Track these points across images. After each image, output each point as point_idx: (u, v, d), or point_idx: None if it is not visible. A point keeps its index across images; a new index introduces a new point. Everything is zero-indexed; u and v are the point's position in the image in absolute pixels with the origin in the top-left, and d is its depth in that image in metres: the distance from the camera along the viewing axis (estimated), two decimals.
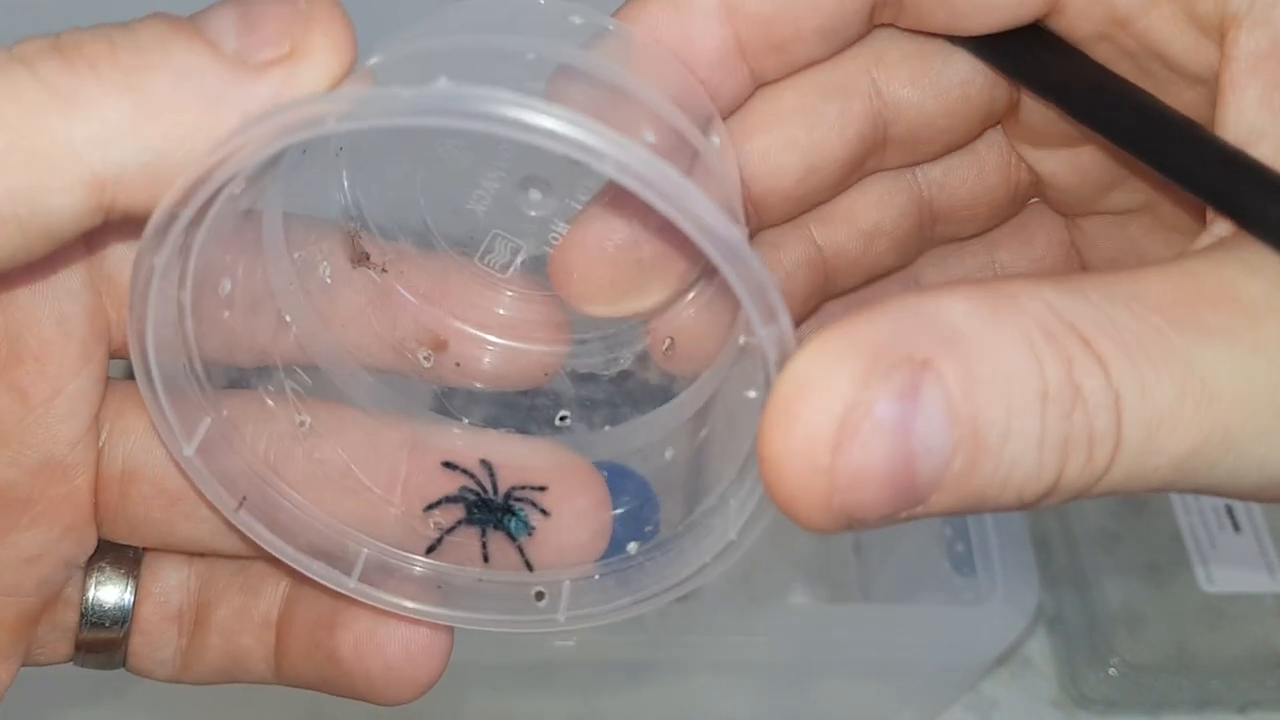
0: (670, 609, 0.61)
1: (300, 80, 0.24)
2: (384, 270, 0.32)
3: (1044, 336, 0.21)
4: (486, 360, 0.33)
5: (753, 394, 0.26)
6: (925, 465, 0.21)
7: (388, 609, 0.30)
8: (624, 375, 0.34)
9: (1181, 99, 0.27)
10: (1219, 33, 0.25)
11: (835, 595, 0.67)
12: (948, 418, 0.21)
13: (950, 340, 0.21)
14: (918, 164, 0.33)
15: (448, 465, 0.32)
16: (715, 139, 0.28)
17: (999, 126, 0.33)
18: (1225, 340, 0.22)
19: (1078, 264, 0.34)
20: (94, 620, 0.31)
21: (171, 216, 0.24)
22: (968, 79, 0.30)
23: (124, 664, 0.32)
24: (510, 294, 0.33)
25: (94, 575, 0.31)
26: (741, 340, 0.28)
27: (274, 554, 0.29)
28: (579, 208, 0.31)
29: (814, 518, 0.21)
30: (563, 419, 0.34)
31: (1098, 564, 0.64)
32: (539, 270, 0.32)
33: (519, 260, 0.33)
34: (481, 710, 0.60)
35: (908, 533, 0.63)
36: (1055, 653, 0.66)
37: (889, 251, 0.33)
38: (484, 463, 0.32)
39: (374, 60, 0.26)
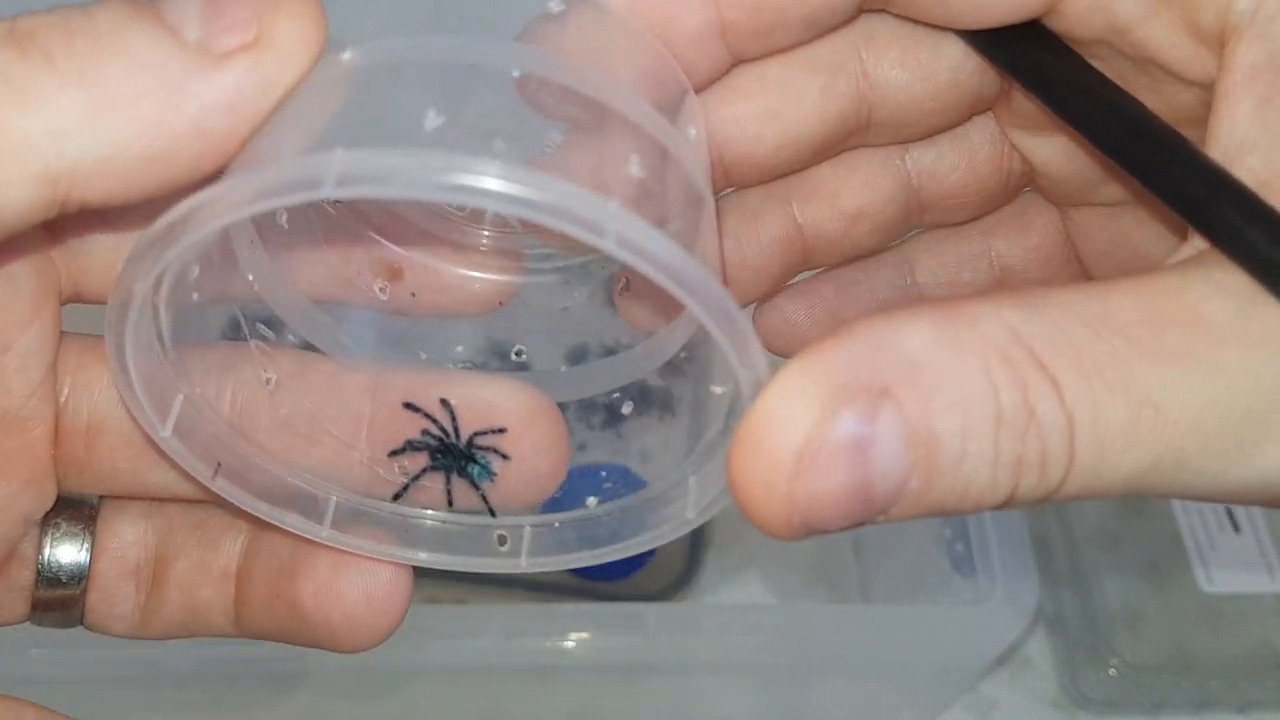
0: (670, 609, 0.61)
1: (265, 71, 0.23)
2: (338, 202, 0.32)
3: (1000, 362, 0.22)
4: (441, 288, 0.33)
5: (718, 390, 0.27)
6: (882, 487, 0.22)
7: (358, 553, 0.30)
8: (580, 311, 0.34)
9: (1177, 100, 0.27)
10: (1219, 43, 0.25)
11: (835, 595, 0.67)
12: (904, 442, 0.22)
13: (909, 369, 0.22)
14: (902, 143, 0.32)
15: (409, 406, 0.32)
16: (692, 131, 0.29)
17: (991, 114, 0.32)
18: (1184, 364, 0.22)
19: (1074, 254, 0.34)
20: (50, 577, 0.31)
21: (156, 251, 0.23)
22: (958, 65, 0.30)
23: (82, 621, 0.32)
24: (465, 225, 0.33)
25: (50, 533, 0.31)
26: None
27: (250, 511, 0.30)
28: (542, 156, 0.31)
29: (776, 532, 0.23)
30: (518, 354, 0.34)
31: (1098, 564, 0.64)
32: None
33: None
34: (481, 710, 0.60)
35: (908, 533, 0.63)
36: (1055, 653, 0.66)
37: (871, 234, 0.33)
38: (444, 403, 0.32)
39: (347, 55, 0.26)
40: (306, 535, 0.30)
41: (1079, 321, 0.22)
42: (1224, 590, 0.64)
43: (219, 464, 0.29)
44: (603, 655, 0.54)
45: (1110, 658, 0.62)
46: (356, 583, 0.31)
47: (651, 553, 0.67)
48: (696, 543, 0.67)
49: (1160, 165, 0.25)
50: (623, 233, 0.22)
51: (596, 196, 0.22)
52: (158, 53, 0.23)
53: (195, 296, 0.28)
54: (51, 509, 0.30)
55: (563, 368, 0.34)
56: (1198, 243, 0.24)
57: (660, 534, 0.30)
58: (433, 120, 0.27)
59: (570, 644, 0.53)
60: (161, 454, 0.29)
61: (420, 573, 0.31)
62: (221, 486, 0.29)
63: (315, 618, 0.30)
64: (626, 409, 0.35)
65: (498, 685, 0.58)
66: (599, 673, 0.57)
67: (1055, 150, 0.32)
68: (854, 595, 0.67)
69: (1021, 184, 0.33)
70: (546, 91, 0.28)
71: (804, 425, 0.22)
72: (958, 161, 0.33)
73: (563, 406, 0.34)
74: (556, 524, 0.32)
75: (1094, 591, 0.64)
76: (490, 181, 0.21)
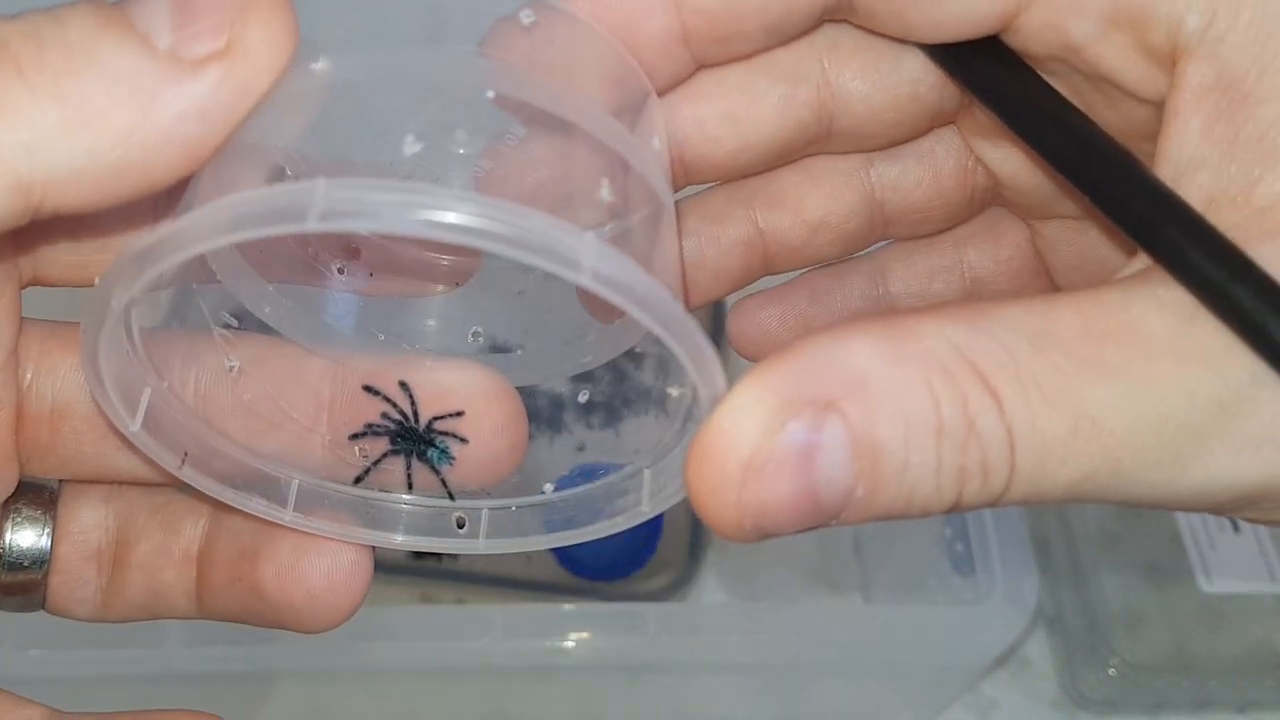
0: (670, 609, 0.61)
1: (237, 78, 0.23)
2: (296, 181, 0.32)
3: (942, 376, 0.23)
4: (399, 268, 0.33)
5: (675, 393, 0.28)
6: (828, 494, 0.23)
7: (321, 534, 0.31)
8: (537, 294, 0.35)
9: (1132, 115, 0.28)
10: (1169, 62, 0.26)
11: (835, 595, 0.68)
12: (850, 452, 0.23)
13: (853, 383, 0.23)
14: (863, 152, 0.33)
15: (369, 389, 0.33)
16: (655, 141, 0.29)
17: (955, 129, 0.33)
18: (1121, 379, 0.23)
19: (1044, 266, 0.34)
20: (12, 562, 0.31)
21: (134, 273, 0.24)
22: (918, 78, 0.31)
23: (43, 605, 0.32)
24: None
25: (10, 517, 0.31)
26: None
27: (216, 497, 0.30)
28: (505, 146, 0.31)
29: (729, 535, 0.24)
30: (475, 335, 0.35)
31: (1098, 564, 0.64)
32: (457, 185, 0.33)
33: (429, 173, 0.33)
34: (481, 710, 0.60)
35: (908, 533, 0.64)
36: (1055, 653, 0.66)
37: (833, 244, 0.34)
38: (403, 385, 0.33)
39: (319, 65, 0.26)
40: (271, 519, 0.31)
41: (1021, 336, 0.23)
42: (1224, 590, 0.64)
43: (185, 453, 0.30)
44: (603, 655, 0.54)
45: (1110, 658, 0.62)
46: (318, 564, 0.31)
47: (652, 552, 0.67)
48: (696, 543, 0.67)
49: (1108, 183, 0.26)
50: (599, 269, 0.23)
51: (573, 232, 0.22)
52: (129, 62, 0.23)
53: (164, 295, 0.29)
54: (12, 495, 0.30)
55: (519, 351, 0.35)
56: (1143, 259, 0.25)
57: (615, 523, 0.31)
58: (411, 146, 0.27)
59: (570, 644, 0.53)
60: (130, 446, 0.29)
61: (419, 572, 0.32)
62: (188, 475, 0.30)
63: (278, 599, 0.31)
64: (581, 397, 0.35)
65: (498, 685, 0.58)
66: (599, 673, 0.57)
67: (1019, 162, 0.32)
68: (854, 595, 0.67)
69: (987, 200, 0.34)
70: (515, 112, 0.29)
71: (752, 437, 0.23)
72: (922, 177, 0.33)
73: (561, 405, 0.34)
74: (513, 507, 0.33)
75: (1094, 591, 0.64)
76: (476, 221, 0.22)
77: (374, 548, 0.32)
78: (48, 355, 0.30)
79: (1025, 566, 0.55)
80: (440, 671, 0.56)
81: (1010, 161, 0.32)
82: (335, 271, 0.33)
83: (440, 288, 0.34)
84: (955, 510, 0.24)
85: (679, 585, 0.66)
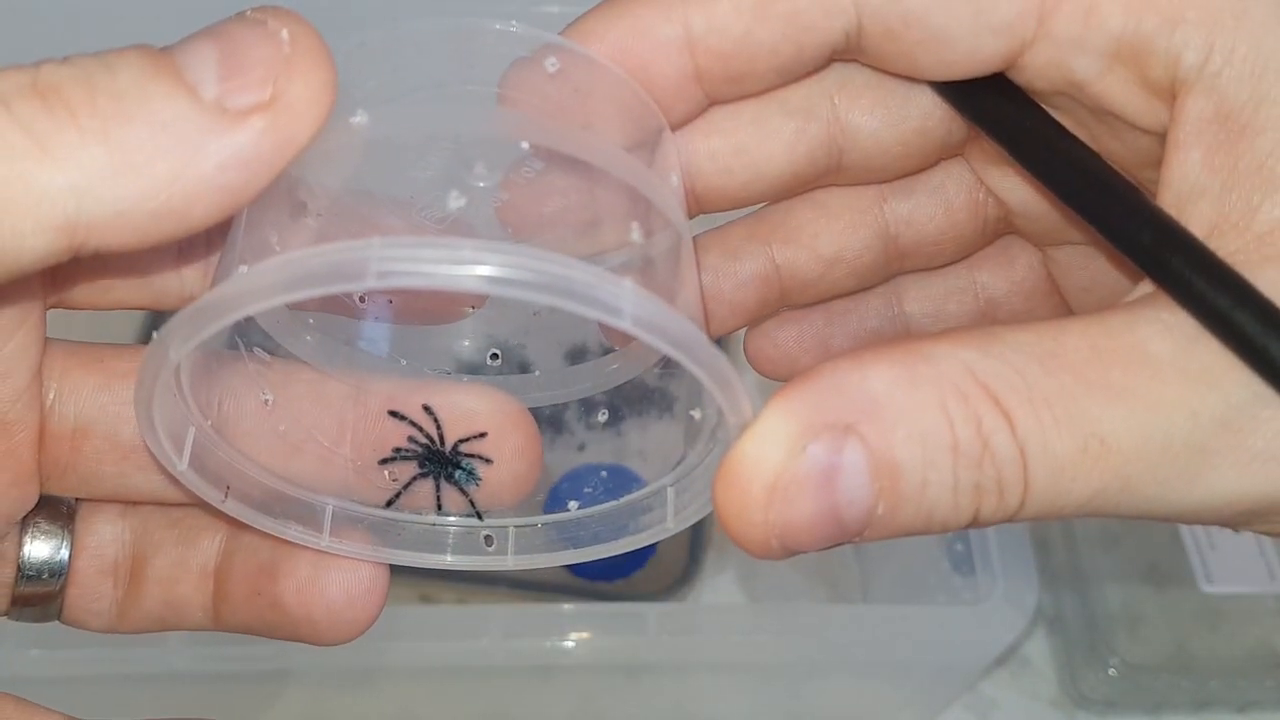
0: (670, 609, 0.61)
1: (280, 130, 0.24)
2: (319, 215, 0.33)
3: (956, 398, 0.24)
4: (416, 294, 0.34)
5: (696, 415, 0.30)
6: (850, 514, 0.24)
7: (355, 557, 0.32)
8: (552, 316, 0.35)
9: (1136, 145, 0.28)
10: (1170, 95, 0.27)
11: (835, 595, 0.68)
12: (869, 472, 0.24)
13: (871, 407, 0.24)
14: (873, 184, 0.34)
15: (394, 415, 0.34)
16: (674, 177, 0.31)
17: (965, 163, 0.34)
18: (1128, 400, 0.24)
19: (1056, 288, 0.35)
20: (30, 575, 0.32)
21: (192, 330, 0.24)
22: (927, 113, 0.32)
23: (59, 616, 0.33)
24: (442, 233, 0.34)
25: (30, 530, 0.32)
26: None
27: (256, 526, 0.31)
28: (523, 178, 0.32)
29: (758, 554, 0.25)
30: (494, 357, 0.36)
31: (1098, 564, 0.64)
32: (478, 224, 0.34)
33: (458, 214, 0.34)
34: (481, 710, 0.60)
35: None
36: (1055, 653, 0.66)
37: (848, 278, 0.35)
38: (427, 409, 0.34)
39: (358, 119, 0.27)
40: (308, 544, 0.31)
41: (1032, 359, 0.24)
42: (1224, 590, 0.64)
43: (228, 487, 0.30)
44: (603, 655, 0.54)
45: (1110, 658, 0.62)
46: (338, 580, 0.32)
47: (652, 552, 0.67)
48: (696, 543, 0.67)
49: (1114, 214, 0.27)
50: (639, 314, 0.24)
51: (614, 281, 0.24)
52: (176, 111, 0.23)
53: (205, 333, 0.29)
54: (32, 509, 0.31)
55: (537, 373, 0.36)
56: (1149, 284, 0.26)
57: (639, 539, 0.32)
58: (455, 200, 0.29)
59: (570, 644, 0.53)
60: (175, 482, 0.30)
61: (419, 572, 0.32)
62: (232, 508, 0.30)
63: (297, 613, 0.32)
64: (601, 416, 0.37)
65: (498, 685, 0.58)
66: (599, 673, 0.57)
67: (1028, 191, 0.33)
68: (854, 595, 0.67)
69: (999, 230, 0.35)
70: (547, 162, 0.30)
71: (775, 461, 0.24)
72: (934, 210, 0.34)
73: (563, 406, 0.34)
74: (539, 525, 0.34)
75: (1094, 591, 0.64)
76: (525, 275, 0.23)
77: (390, 564, 0.33)
78: (70, 375, 0.31)
79: (1025, 566, 0.55)
80: (440, 671, 0.56)
81: (1020, 190, 0.33)
82: (356, 300, 0.34)
83: (457, 312, 0.35)
84: (974, 526, 0.25)
85: (679, 585, 0.66)
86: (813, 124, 0.32)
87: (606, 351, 0.35)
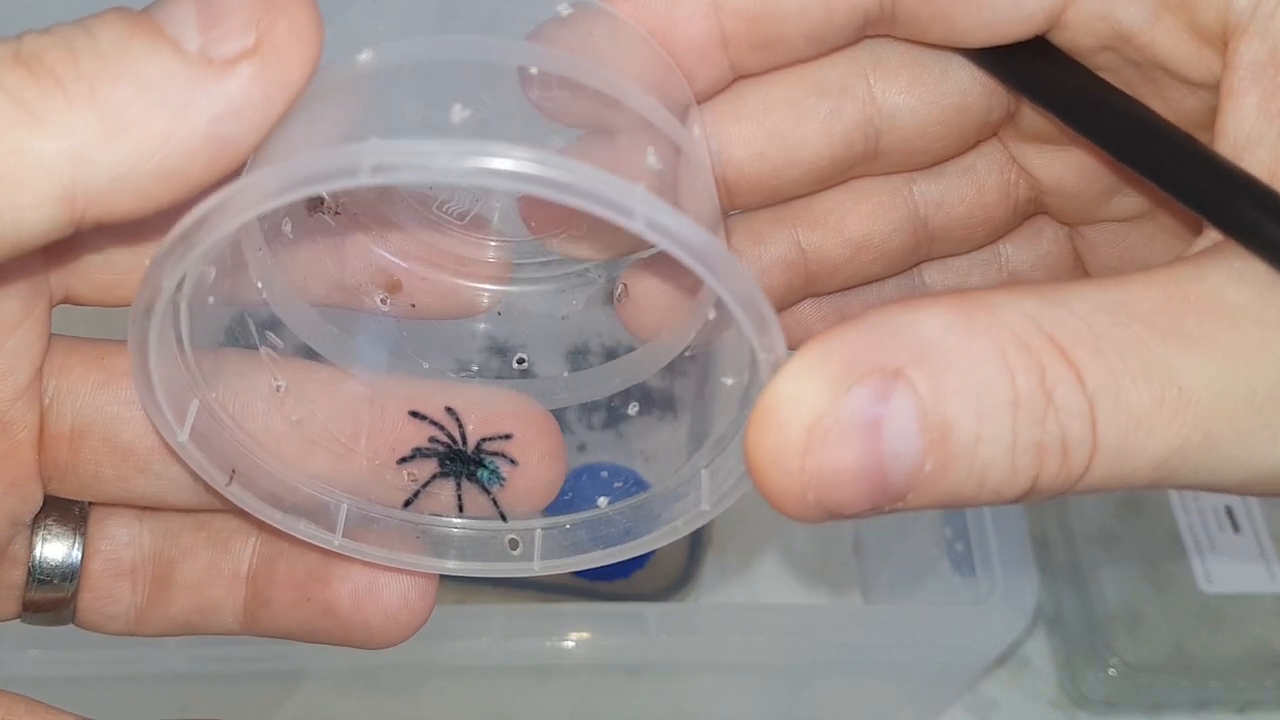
0: (670, 609, 0.61)
1: (269, 75, 0.23)
2: (337, 213, 0.32)
3: (1017, 347, 0.22)
4: (440, 298, 0.34)
5: (729, 381, 0.28)
6: (896, 468, 0.22)
7: (373, 561, 0.31)
8: (579, 317, 0.34)
9: (1184, 105, 0.27)
10: (1221, 42, 0.26)
11: (835, 595, 0.67)
12: (917, 424, 0.22)
13: (922, 351, 0.22)
14: (907, 171, 0.32)
15: (414, 415, 0.32)
16: (696, 130, 0.29)
17: (997, 142, 0.33)
18: (1205, 348, 0.23)
19: (1081, 266, 0.34)
20: (41, 578, 0.31)
21: (186, 250, 0.23)
22: (966, 89, 0.30)
23: (73, 620, 0.32)
24: (463, 236, 0.33)
25: (40, 532, 0.31)
26: (711, 314, 0.29)
27: (263, 519, 0.30)
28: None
29: (793, 510, 0.23)
30: (520, 361, 0.35)
31: (1098, 564, 0.64)
32: (496, 218, 0.33)
33: (477, 209, 0.33)
34: (481, 710, 0.60)
35: (908, 533, 0.63)
36: (1055, 653, 0.66)
37: (875, 263, 0.33)
38: (450, 411, 0.33)
39: (364, 57, 0.26)
40: (318, 544, 0.30)
41: (1097, 309, 0.23)
42: (1224, 590, 0.64)
43: (233, 470, 0.29)
44: (603, 655, 0.54)
45: (1110, 658, 0.62)
46: (394, 584, 0.31)
47: (652, 552, 0.67)
48: (696, 543, 0.67)
49: (1174, 166, 0.26)
50: (651, 215, 0.22)
51: (625, 181, 0.22)
52: (161, 67, 0.23)
53: (211, 300, 0.28)
54: (42, 509, 0.30)
55: (564, 373, 0.35)
56: (1210, 237, 0.25)
57: (675, 528, 0.30)
58: (459, 113, 0.27)
59: (570, 644, 0.53)
60: (176, 458, 0.29)
61: None
62: (235, 494, 0.29)
63: (352, 618, 0.31)
64: (632, 410, 0.35)
65: (498, 685, 0.58)
66: (599, 673, 0.57)
67: (1065, 166, 0.32)
68: (854, 595, 0.67)
69: (1029, 211, 0.34)
70: (556, 91, 0.28)
71: (816, 401, 0.22)
72: (965, 192, 0.33)
73: (564, 409, 0.34)
74: (568, 525, 0.32)
75: (1094, 591, 0.64)
76: (526, 165, 0.21)
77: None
78: (69, 372, 0.30)
79: (1025, 566, 0.55)
80: (440, 671, 0.56)
81: (1056, 167, 0.32)
82: (379, 302, 0.33)
83: (480, 313, 0.34)
84: (1031, 497, 0.23)
85: (679, 585, 0.66)
86: (848, 104, 0.30)
87: (610, 356, 0.35)
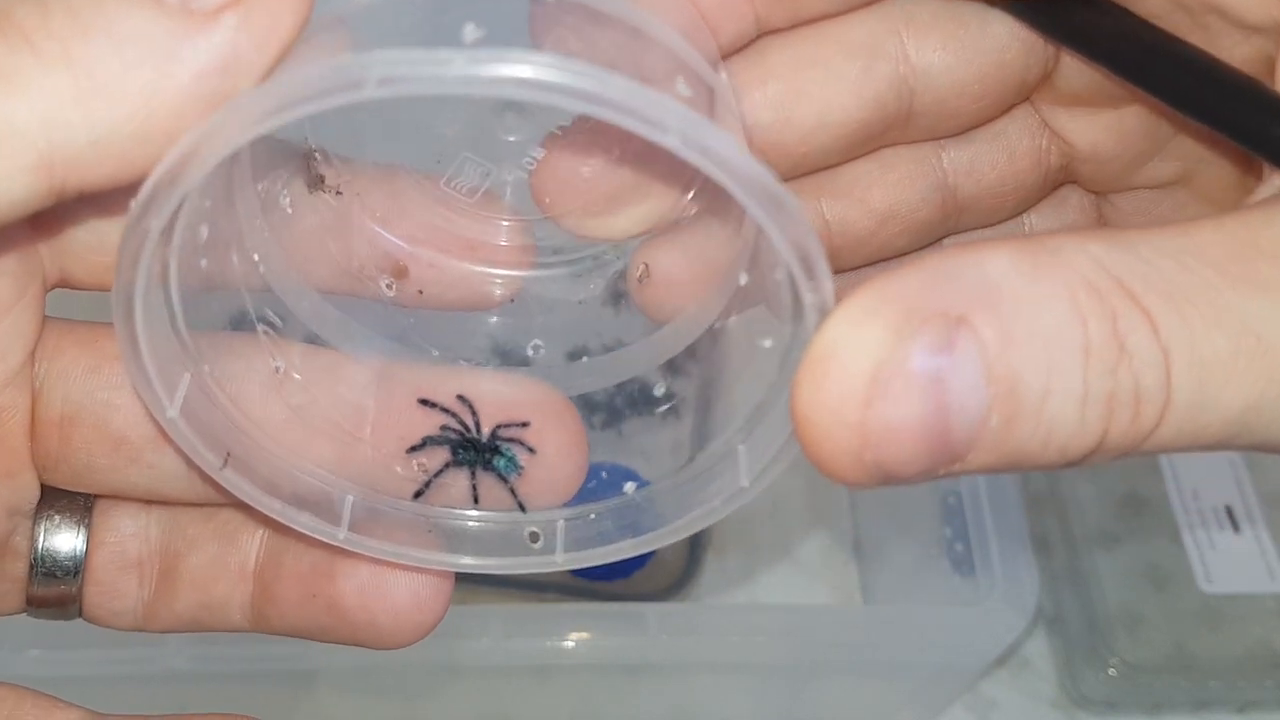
0: (670, 609, 0.61)
1: (257, 24, 0.21)
2: (339, 193, 0.30)
3: (1088, 292, 0.21)
4: (448, 285, 0.32)
5: (768, 343, 0.26)
6: (959, 422, 0.20)
7: (382, 557, 0.29)
8: (596, 303, 0.33)
9: (1237, 52, 0.26)
10: None
11: (835, 595, 0.67)
12: (983, 374, 0.20)
13: (987, 296, 0.20)
14: (937, 139, 0.31)
15: (424, 402, 0.31)
16: (724, 76, 0.27)
17: (1028, 107, 0.31)
18: None
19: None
20: (45, 571, 0.30)
21: (173, 183, 0.21)
22: (1004, 45, 0.29)
23: (80, 615, 0.31)
24: (474, 217, 0.31)
25: (43, 524, 0.30)
26: (742, 279, 0.27)
27: (260, 509, 0.28)
28: (558, 132, 0.29)
29: (846, 472, 0.21)
30: (535, 349, 0.33)
31: (1097, 564, 0.64)
32: (508, 194, 0.31)
33: (488, 184, 0.31)
34: (481, 710, 0.60)
35: (908, 533, 0.63)
36: (1055, 653, 0.66)
37: (901, 236, 0.32)
38: (462, 398, 0.31)
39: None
40: (321, 538, 0.28)
41: (1164, 255, 0.21)
42: (1224, 590, 0.64)
43: (228, 454, 0.27)
44: (603, 655, 0.53)
45: (1110, 658, 0.62)
46: (403, 580, 0.29)
47: (652, 551, 0.67)
48: (696, 543, 0.67)
49: (1236, 109, 0.24)
50: (687, 130, 0.20)
51: (659, 93, 0.20)
52: (139, 20, 0.21)
53: (204, 263, 0.27)
54: (45, 501, 0.29)
55: (584, 357, 0.33)
56: (1276, 183, 0.23)
57: (712, 510, 0.28)
58: (472, 33, 0.24)
59: (570, 644, 0.52)
60: (165, 438, 0.27)
61: None
62: (230, 479, 0.27)
63: (358, 616, 0.29)
64: (659, 391, 0.33)
65: (498, 685, 0.58)
66: (599, 673, 0.57)
67: (1101, 130, 0.30)
68: (854, 595, 0.67)
69: (1058, 180, 0.32)
70: (572, 17, 0.26)
71: (876, 350, 0.20)
72: (997, 159, 0.31)
73: None
74: (592, 515, 0.30)
75: (1094, 591, 0.64)
76: (549, 73, 0.19)
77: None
78: (60, 355, 0.28)
79: (1025, 566, 0.55)
80: (441, 671, 0.56)
81: (1092, 130, 0.30)
82: (384, 288, 0.31)
83: (492, 304, 0.32)
84: (1095, 457, 0.22)
85: (679, 585, 0.66)
86: (880, 63, 0.28)
87: (609, 352, 0.33)
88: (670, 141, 0.20)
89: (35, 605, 0.30)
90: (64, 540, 0.30)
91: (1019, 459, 0.21)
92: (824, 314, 0.22)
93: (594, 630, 0.53)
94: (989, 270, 0.21)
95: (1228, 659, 0.62)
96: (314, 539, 0.29)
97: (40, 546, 0.30)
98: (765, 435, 0.26)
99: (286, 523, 0.28)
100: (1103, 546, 0.65)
